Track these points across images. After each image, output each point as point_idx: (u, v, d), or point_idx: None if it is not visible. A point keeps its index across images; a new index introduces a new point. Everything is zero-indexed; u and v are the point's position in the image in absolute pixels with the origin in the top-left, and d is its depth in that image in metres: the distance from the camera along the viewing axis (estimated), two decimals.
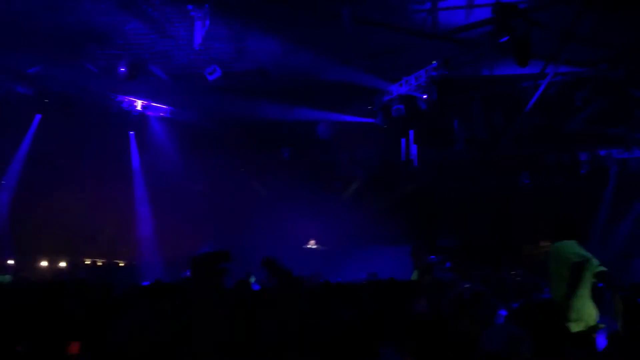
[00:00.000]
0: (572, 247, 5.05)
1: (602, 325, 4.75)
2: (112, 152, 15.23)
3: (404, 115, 12.20)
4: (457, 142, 13.18)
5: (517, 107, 12.13)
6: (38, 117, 14.26)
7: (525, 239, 16.41)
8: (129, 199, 16.00)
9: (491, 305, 5.43)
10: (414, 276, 8.33)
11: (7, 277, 10.51)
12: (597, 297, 4.92)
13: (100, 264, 16.77)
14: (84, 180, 14.94)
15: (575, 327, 4.53)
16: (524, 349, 3.09)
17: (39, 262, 15.29)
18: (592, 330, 4.65)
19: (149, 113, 14.71)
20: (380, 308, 3.29)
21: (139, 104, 14.28)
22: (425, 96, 11.46)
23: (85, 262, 16.52)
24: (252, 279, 9.72)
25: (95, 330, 3.00)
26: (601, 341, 4.51)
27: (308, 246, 16.07)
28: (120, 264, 17.08)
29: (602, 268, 4.81)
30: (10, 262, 13.94)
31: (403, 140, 13.37)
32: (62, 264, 15.58)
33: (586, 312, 4.74)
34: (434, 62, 10.99)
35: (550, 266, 5.18)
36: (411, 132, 13.25)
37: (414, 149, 13.11)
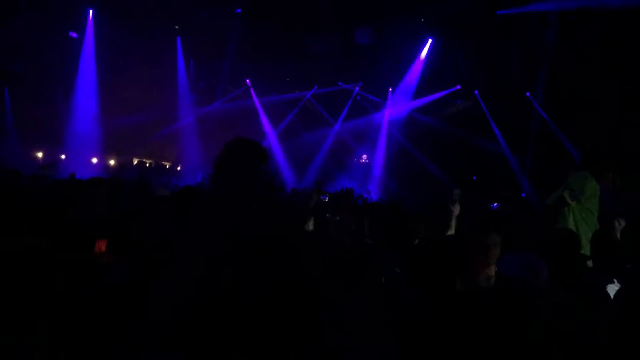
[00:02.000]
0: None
1: None
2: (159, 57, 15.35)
3: None
4: None
5: None
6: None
7: None
8: (175, 104, 16.27)
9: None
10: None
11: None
12: None
13: (148, 164, 17.38)
14: (132, 83, 15.21)
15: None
16: (540, 276, 3.09)
17: (90, 159, 15.93)
18: None
19: None
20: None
21: None
22: None
23: (134, 162, 17.15)
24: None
25: (124, 230, 3.16)
26: None
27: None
28: (166, 165, 17.66)
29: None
30: (62, 157, 14.62)
31: None
32: (112, 162, 16.22)
33: None
34: None
35: None
36: None
37: None
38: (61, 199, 3.79)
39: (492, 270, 3.38)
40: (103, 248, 2.95)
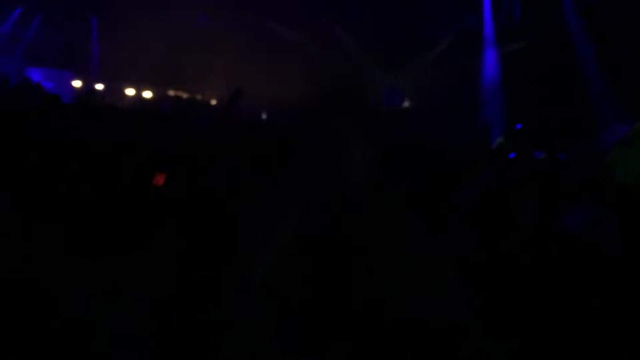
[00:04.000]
0: None
1: None
2: None
3: None
4: None
5: None
6: None
7: None
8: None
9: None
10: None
11: None
12: None
13: (185, 97, 17.25)
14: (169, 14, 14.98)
15: None
16: (607, 228, 2.89)
17: (126, 90, 15.90)
18: None
19: None
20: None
21: None
22: None
23: (169, 95, 17.05)
24: None
25: (181, 165, 3.13)
26: None
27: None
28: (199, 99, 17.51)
29: None
30: (99, 86, 14.64)
31: None
32: (148, 94, 16.13)
33: None
34: None
35: None
36: None
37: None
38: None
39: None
40: (161, 182, 2.93)
